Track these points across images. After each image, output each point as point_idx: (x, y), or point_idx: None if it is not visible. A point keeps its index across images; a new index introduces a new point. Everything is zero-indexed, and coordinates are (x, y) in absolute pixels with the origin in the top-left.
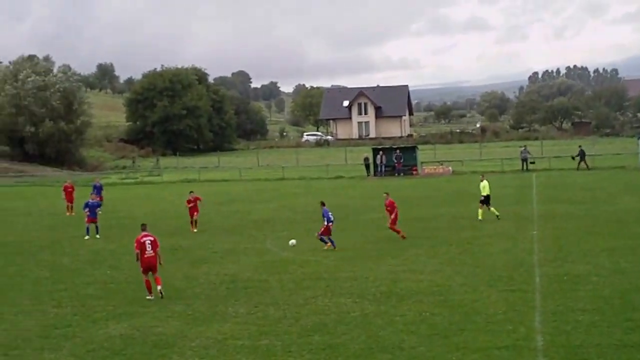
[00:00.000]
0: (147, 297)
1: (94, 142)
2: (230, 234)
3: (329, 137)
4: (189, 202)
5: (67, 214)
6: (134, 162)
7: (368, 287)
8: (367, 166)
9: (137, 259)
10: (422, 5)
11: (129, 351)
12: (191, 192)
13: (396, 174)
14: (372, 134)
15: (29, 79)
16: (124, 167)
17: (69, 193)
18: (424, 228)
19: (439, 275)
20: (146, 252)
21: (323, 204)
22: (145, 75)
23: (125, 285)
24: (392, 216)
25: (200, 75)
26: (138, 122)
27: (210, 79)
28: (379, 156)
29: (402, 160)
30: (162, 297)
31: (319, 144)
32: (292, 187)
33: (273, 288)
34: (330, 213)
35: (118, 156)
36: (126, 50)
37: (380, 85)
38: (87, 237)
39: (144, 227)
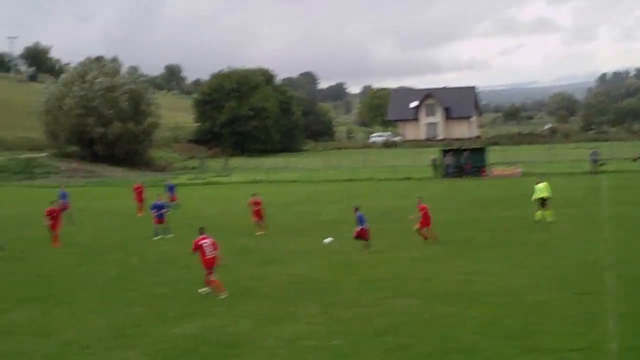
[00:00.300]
0: (200, 291)
1: (162, 143)
2: (299, 234)
3: (397, 139)
4: (252, 204)
5: (139, 214)
6: (202, 163)
7: (439, 288)
8: (436, 167)
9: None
10: (489, 6)
11: (200, 351)
12: (254, 194)
13: (464, 176)
14: (441, 135)
15: (97, 80)
16: (193, 168)
17: (139, 194)
18: (494, 230)
19: (510, 277)
20: (206, 254)
21: (357, 209)
22: (212, 76)
23: (196, 285)
24: (421, 220)
25: (267, 77)
26: (206, 123)
27: (278, 80)
28: (447, 157)
29: (470, 162)
30: (203, 295)
31: (386, 145)
32: (360, 188)
33: (343, 289)
34: (363, 217)
35: (186, 157)
36: (194, 51)
37: (448, 86)
38: (155, 238)
39: (202, 231)
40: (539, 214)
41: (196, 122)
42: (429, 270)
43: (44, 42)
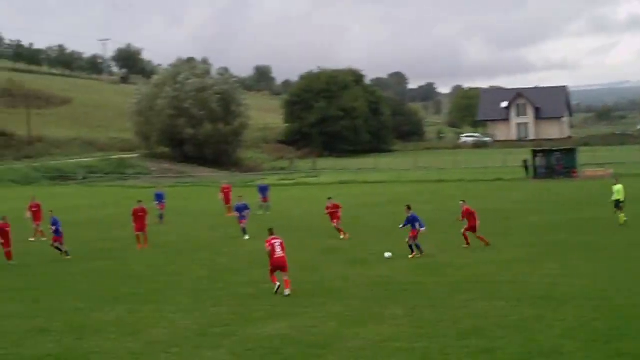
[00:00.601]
0: (275, 286)
1: (251, 144)
2: (386, 235)
3: (487, 139)
4: (327, 208)
5: (228, 215)
6: (291, 163)
7: (526, 290)
8: (527, 168)
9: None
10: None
11: (286, 351)
12: (329, 198)
13: (556, 177)
14: (531, 136)
15: (188, 82)
16: (282, 169)
17: (226, 194)
18: (584, 231)
19: (599, 280)
20: (276, 253)
21: (409, 208)
22: (302, 77)
23: (283, 285)
24: (470, 224)
25: (357, 77)
26: (295, 124)
27: (367, 81)
28: (538, 158)
29: (561, 163)
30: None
31: (477, 145)
32: (449, 190)
33: (430, 290)
34: (419, 218)
35: (275, 157)
36: (283, 52)
37: (539, 85)
38: (246, 237)
39: (271, 231)
40: (622, 216)
41: (285, 122)
42: (517, 272)
43: (136, 44)
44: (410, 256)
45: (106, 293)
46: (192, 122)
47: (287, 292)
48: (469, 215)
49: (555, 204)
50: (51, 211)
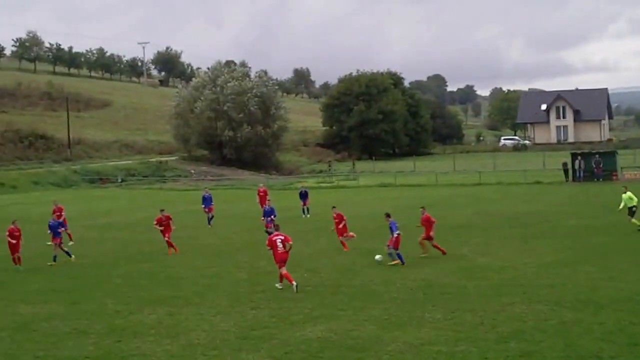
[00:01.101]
0: (276, 285)
1: (290, 147)
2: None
3: (527, 142)
4: (335, 218)
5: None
6: (329, 166)
7: (566, 294)
8: (566, 171)
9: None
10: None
11: (325, 354)
12: (334, 207)
13: (595, 180)
14: (571, 139)
15: (228, 85)
16: (320, 171)
17: (262, 197)
18: (624, 235)
19: (639, 283)
20: (278, 248)
21: (388, 216)
22: (341, 80)
23: (322, 288)
24: (427, 232)
25: (395, 80)
26: (334, 127)
27: (406, 83)
28: (577, 161)
29: (601, 166)
30: (296, 291)
31: (516, 148)
32: (488, 193)
33: (470, 294)
34: (396, 224)
35: (314, 160)
36: (322, 55)
37: (579, 88)
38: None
39: (277, 227)
40: (635, 222)
41: (324, 125)
42: (557, 276)
43: (175, 47)
44: (392, 263)
45: (146, 295)
46: (230, 125)
47: (294, 284)
48: (427, 223)
49: (595, 207)
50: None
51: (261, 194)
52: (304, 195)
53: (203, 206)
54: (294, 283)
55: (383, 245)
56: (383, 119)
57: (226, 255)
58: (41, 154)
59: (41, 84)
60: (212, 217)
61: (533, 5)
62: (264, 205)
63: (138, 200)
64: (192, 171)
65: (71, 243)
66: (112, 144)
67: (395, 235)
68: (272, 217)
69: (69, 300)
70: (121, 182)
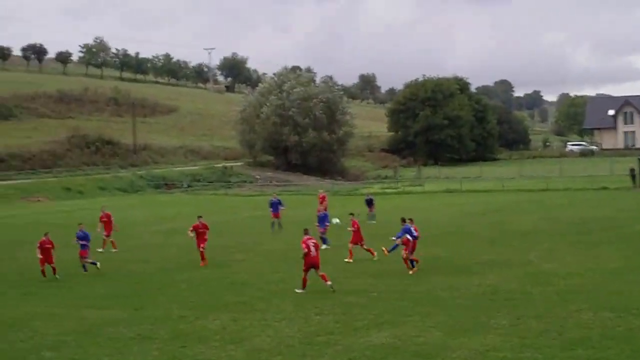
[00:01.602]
0: (297, 290)
1: (355, 152)
2: (491, 244)
3: (594, 147)
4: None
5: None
6: (395, 172)
7: (633, 301)
8: (633, 177)
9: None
10: None
11: None
12: (351, 214)
13: None
14: (639, 144)
15: (294, 90)
16: (386, 177)
17: (322, 202)
18: None
19: None
20: (310, 252)
21: (404, 221)
22: (407, 85)
23: (387, 294)
24: (354, 237)
25: (462, 85)
26: (400, 132)
27: (472, 89)
28: None
29: None
30: (333, 291)
31: (583, 154)
32: (555, 198)
33: (536, 300)
34: (408, 230)
35: (380, 166)
36: (388, 60)
37: None
38: (324, 247)
39: (306, 231)
40: None
41: (389, 131)
42: (624, 282)
43: (241, 53)
44: (410, 272)
45: (210, 301)
46: (296, 130)
47: (329, 283)
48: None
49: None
50: (80, 224)
51: (323, 199)
52: (369, 202)
53: (271, 210)
54: (329, 282)
55: (448, 251)
56: (449, 124)
57: (292, 260)
58: (107, 159)
59: (107, 89)
60: (279, 223)
61: (600, 9)
62: (319, 212)
63: (203, 206)
64: (257, 177)
65: (100, 250)
66: (178, 150)
67: (403, 239)
68: (327, 223)
69: (133, 305)
70: (187, 187)
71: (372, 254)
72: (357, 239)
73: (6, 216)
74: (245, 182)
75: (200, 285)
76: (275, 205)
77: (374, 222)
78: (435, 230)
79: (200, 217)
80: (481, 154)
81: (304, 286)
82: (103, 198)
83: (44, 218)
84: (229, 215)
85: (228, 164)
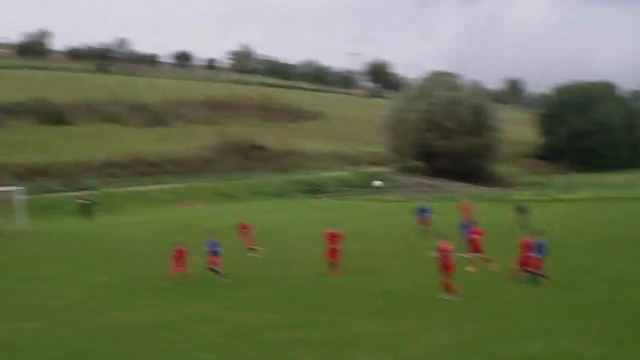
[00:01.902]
0: (446, 297)
1: (505, 158)
2: None
3: None
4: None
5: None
6: (546, 179)
7: None
8: None
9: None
10: None
11: None
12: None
13: None
14: None
15: (440, 95)
16: (536, 184)
17: (464, 211)
18: None
19: None
20: (444, 257)
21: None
22: (555, 90)
23: (541, 304)
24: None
25: (612, 90)
26: (549, 138)
27: (624, 93)
28: None
29: None
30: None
31: None
32: None
33: None
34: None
35: (529, 172)
36: (536, 64)
37: None
38: (464, 255)
39: (441, 237)
40: None
41: (539, 137)
42: None
43: (386, 58)
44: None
45: (362, 306)
46: (443, 136)
47: (447, 296)
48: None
49: None
50: (209, 233)
51: (464, 207)
52: (522, 210)
53: (420, 216)
54: (449, 296)
55: (601, 261)
56: (599, 130)
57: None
58: (255, 163)
59: (254, 95)
60: (426, 229)
61: None
62: (463, 219)
63: (351, 211)
64: (405, 182)
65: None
66: (325, 155)
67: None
68: (465, 230)
69: (286, 309)
70: (335, 192)
71: (489, 263)
72: (477, 247)
73: (162, 219)
74: (393, 187)
75: (351, 291)
76: (421, 212)
77: (527, 231)
78: (588, 238)
79: (333, 224)
80: (635, 160)
81: (452, 292)
82: (258, 202)
83: (205, 222)
84: (377, 220)
85: (376, 170)
